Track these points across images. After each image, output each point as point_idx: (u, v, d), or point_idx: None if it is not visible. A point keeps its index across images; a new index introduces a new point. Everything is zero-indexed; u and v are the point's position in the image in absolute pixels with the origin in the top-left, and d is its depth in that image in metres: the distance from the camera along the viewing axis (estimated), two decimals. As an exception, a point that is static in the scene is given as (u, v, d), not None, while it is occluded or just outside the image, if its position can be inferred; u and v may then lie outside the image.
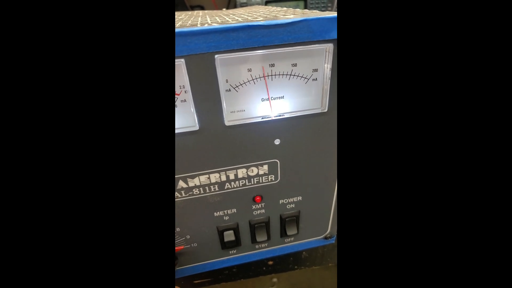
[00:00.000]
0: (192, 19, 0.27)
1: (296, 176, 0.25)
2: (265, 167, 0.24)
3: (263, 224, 0.28)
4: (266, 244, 0.30)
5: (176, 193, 0.24)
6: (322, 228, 0.31)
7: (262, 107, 0.21)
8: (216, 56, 0.18)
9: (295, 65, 0.19)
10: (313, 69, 0.20)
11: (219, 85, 0.19)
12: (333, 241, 0.32)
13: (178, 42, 0.17)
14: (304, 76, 0.20)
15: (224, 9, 0.63)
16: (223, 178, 0.24)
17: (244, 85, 0.19)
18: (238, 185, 0.25)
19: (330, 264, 0.35)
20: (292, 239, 0.30)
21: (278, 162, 0.24)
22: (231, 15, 0.28)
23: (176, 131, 0.20)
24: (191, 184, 0.23)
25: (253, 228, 0.28)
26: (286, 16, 0.19)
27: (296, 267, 0.35)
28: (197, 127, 0.20)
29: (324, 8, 0.76)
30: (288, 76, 0.20)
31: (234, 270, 0.34)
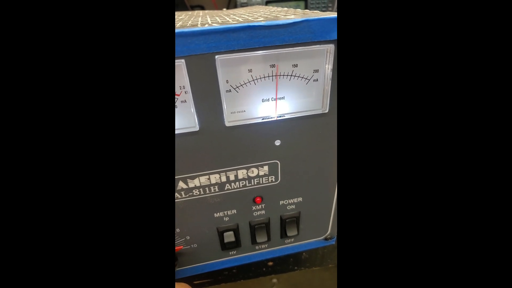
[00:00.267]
0: (192, 19, 0.27)
1: (297, 177, 0.25)
2: (266, 168, 0.24)
3: (263, 225, 0.28)
4: (266, 245, 0.30)
5: (176, 194, 0.24)
6: (322, 229, 0.31)
7: (262, 108, 0.20)
8: (216, 56, 0.18)
9: (296, 65, 0.19)
10: (314, 70, 0.20)
11: (219, 85, 0.19)
12: (333, 242, 0.32)
13: (178, 43, 0.17)
14: (305, 76, 0.20)
15: (224, 9, 0.63)
16: (223, 179, 0.24)
17: (244, 85, 0.19)
18: (238, 186, 0.25)
19: (330, 265, 0.35)
20: (292, 240, 0.30)
21: (279, 163, 0.24)
22: (231, 15, 0.28)
23: (176, 131, 0.20)
24: (191, 185, 0.23)
25: (253, 229, 0.28)
26: (287, 17, 0.19)
27: (296, 268, 0.35)
28: (197, 128, 0.20)
29: (325, 9, 0.76)
30: (289, 77, 0.20)
31: (234, 271, 0.34)
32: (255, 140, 0.22)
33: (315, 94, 0.21)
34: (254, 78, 0.19)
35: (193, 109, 0.19)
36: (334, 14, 0.18)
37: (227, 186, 0.24)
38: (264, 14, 0.26)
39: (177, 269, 0.29)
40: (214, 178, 0.23)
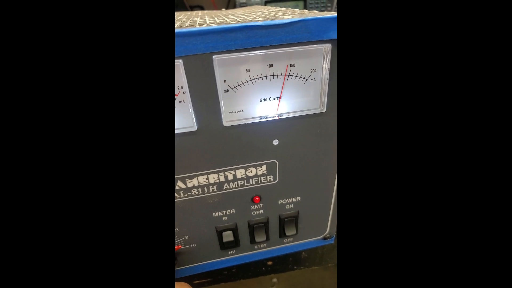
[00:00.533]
0: (191, 19, 0.27)
1: (295, 177, 0.25)
2: (264, 167, 0.24)
3: (262, 225, 0.28)
4: (265, 245, 0.30)
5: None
6: (321, 229, 0.31)
7: (260, 107, 0.21)
8: (214, 56, 0.18)
9: (293, 65, 0.19)
10: (311, 69, 0.20)
11: (217, 85, 0.19)
12: (332, 242, 0.32)
13: (176, 43, 0.17)
14: (303, 76, 0.20)
15: (223, 9, 0.63)
16: (222, 178, 0.24)
17: (242, 85, 0.19)
18: (236, 186, 0.25)
19: (329, 264, 0.35)
20: (291, 239, 0.30)
21: (277, 162, 0.24)
22: (230, 16, 0.28)
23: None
24: (189, 184, 0.23)
25: (252, 228, 0.28)
26: (285, 16, 0.19)
27: (295, 267, 0.35)
28: (195, 128, 0.20)
29: (323, 8, 0.76)
30: (287, 77, 0.20)
31: (234, 270, 0.34)
32: (253, 139, 0.22)
33: (313, 94, 0.21)
34: (252, 78, 0.19)
35: (191, 109, 0.19)
36: (331, 14, 0.18)
37: (226, 186, 0.24)
38: (262, 14, 0.26)
39: (176, 268, 0.29)
40: (213, 178, 0.24)
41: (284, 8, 0.34)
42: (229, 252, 0.30)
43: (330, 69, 0.20)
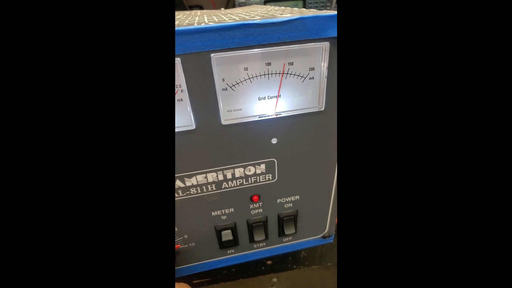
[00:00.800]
0: (189, 18, 0.27)
1: (294, 175, 0.25)
2: (263, 166, 0.24)
3: (261, 224, 0.28)
4: (264, 244, 0.30)
5: (173, 192, 0.24)
6: (320, 228, 0.31)
7: (259, 106, 0.20)
8: (212, 55, 0.18)
9: (291, 63, 0.19)
10: (309, 68, 0.20)
11: (215, 84, 0.19)
12: (331, 241, 0.32)
13: (174, 41, 0.17)
14: (301, 74, 0.20)
15: (222, 9, 0.63)
16: (220, 177, 0.24)
17: (240, 84, 0.19)
18: (235, 185, 0.25)
19: (329, 264, 0.35)
20: (290, 238, 0.30)
21: (276, 161, 0.24)
22: (228, 15, 0.28)
23: (173, 130, 0.20)
24: (188, 183, 0.23)
25: (251, 227, 0.28)
26: (284, 15, 0.19)
27: (295, 266, 0.35)
28: (193, 126, 0.20)
29: (322, 7, 0.76)
30: (285, 75, 0.20)
31: (233, 270, 0.34)
32: (251, 138, 0.22)
33: (311, 92, 0.21)
34: (250, 76, 0.19)
35: (189, 108, 0.19)
36: (329, 12, 0.18)
37: (224, 185, 0.24)
38: (261, 13, 0.26)
39: (175, 268, 0.29)
40: (211, 177, 0.24)
41: (283, 7, 0.34)
42: (228, 251, 0.30)
43: (329, 68, 0.20)
